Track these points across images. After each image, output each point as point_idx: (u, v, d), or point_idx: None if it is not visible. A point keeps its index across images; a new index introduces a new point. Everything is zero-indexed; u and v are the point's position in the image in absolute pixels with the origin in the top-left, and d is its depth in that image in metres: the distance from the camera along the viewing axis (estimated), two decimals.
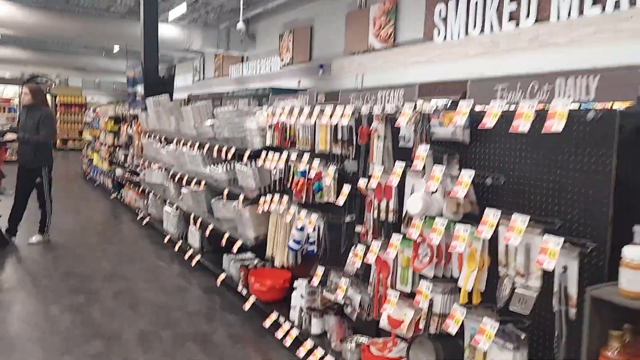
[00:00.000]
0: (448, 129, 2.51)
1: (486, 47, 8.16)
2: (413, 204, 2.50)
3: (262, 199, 3.98)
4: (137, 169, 8.05)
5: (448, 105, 2.59)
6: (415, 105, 2.70)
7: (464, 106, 2.36)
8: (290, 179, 3.70)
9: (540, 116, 2.05)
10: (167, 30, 14.65)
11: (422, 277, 2.57)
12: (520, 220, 2.00)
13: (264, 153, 3.96)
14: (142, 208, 7.54)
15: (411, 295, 2.62)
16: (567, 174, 2.10)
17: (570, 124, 2.01)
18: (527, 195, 2.26)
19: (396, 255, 2.71)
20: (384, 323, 2.69)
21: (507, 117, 2.17)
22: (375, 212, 2.87)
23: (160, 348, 3.54)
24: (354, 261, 2.96)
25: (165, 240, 6.23)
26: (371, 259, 2.80)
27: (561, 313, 1.94)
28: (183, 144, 5.66)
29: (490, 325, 2.11)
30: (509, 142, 2.34)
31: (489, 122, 2.18)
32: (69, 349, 3.46)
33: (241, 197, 4.28)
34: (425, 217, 2.52)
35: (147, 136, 7.20)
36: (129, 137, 8.81)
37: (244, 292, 4.23)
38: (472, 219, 2.37)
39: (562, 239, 1.88)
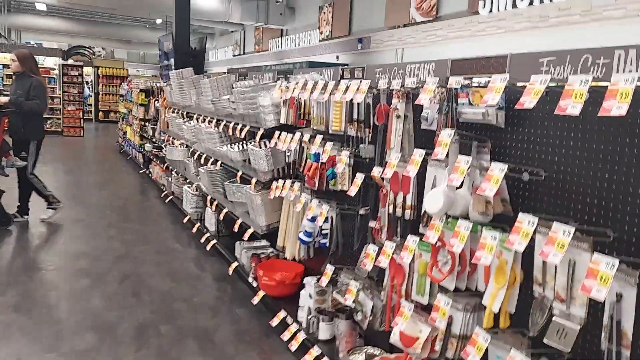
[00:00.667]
0: (478, 110, 2.08)
1: (534, 21, 7.53)
2: (432, 201, 2.09)
3: (274, 184, 3.64)
4: (162, 144, 7.87)
5: (482, 83, 2.15)
6: (446, 79, 2.27)
7: (498, 81, 1.91)
8: (304, 162, 3.34)
9: (596, 95, 1.59)
10: (206, 1, 14.42)
11: (441, 288, 2.18)
12: (563, 232, 1.57)
13: (277, 132, 3.60)
14: (166, 185, 7.37)
15: (428, 308, 2.22)
16: (628, 172, 1.65)
17: (634, 106, 1.55)
18: (574, 195, 1.81)
19: (412, 260, 2.31)
20: (395, 338, 2.31)
21: (552, 96, 1.71)
22: (391, 206, 2.48)
23: (155, 344, 3.28)
24: (364, 263, 2.59)
25: (185, 220, 6.01)
26: (383, 262, 2.41)
27: (611, 354, 1.51)
28: (202, 120, 5.37)
29: (519, 359, 1.70)
30: (554, 128, 1.89)
31: (528, 101, 1.73)
32: (57, 343, 3.25)
33: (253, 180, 3.95)
34: (448, 216, 2.11)
35: (170, 110, 6.98)
36: (156, 110, 8.64)
37: (255, 284, 3.93)
38: (504, 220, 1.95)
39: (617, 260, 1.44)
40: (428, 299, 2.27)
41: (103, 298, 3.97)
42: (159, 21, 20.09)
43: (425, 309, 2.27)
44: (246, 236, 4.09)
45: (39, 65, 15.87)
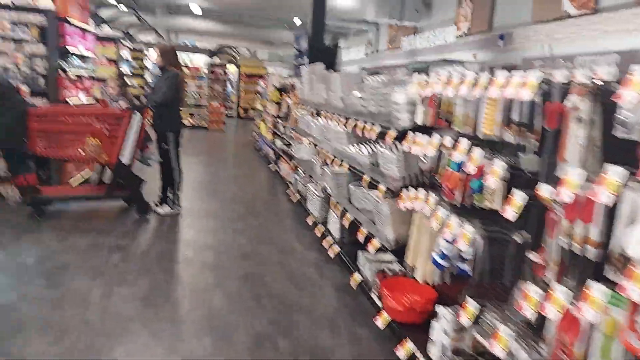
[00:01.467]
0: None
1: None
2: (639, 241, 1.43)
3: (404, 193, 3.10)
4: (292, 142, 7.69)
5: None
6: None
7: None
8: (442, 170, 2.76)
9: None
10: (341, 0, 14.19)
11: None
12: None
13: (411, 134, 3.06)
14: (293, 183, 7.15)
15: None
16: None
17: None
18: None
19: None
20: None
21: None
22: (565, 238, 1.82)
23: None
24: (521, 306, 1.96)
25: (309, 220, 5.69)
26: (551, 312, 1.77)
27: None
28: (330, 118, 4.98)
29: None
30: None
31: None
32: (177, 345, 3.04)
33: (381, 186, 3.45)
34: None
35: (300, 107, 6.72)
36: (288, 107, 8.50)
37: (378, 302, 3.43)
38: None
39: None
40: None
41: (224, 298, 3.76)
42: (298, 22, 20.36)
43: None
44: (371, 249, 3.60)
45: (191, 64, 16.66)
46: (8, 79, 5.40)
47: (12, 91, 5.30)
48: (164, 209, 5.90)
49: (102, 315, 3.37)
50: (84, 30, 7.25)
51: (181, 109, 5.84)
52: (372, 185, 3.73)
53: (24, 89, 5.86)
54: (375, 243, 3.56)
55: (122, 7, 13.08)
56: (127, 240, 4.93)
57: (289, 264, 4.56)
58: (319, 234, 5.16)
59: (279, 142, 8.97)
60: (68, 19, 6.49)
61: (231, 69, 21.79)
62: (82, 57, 7.21)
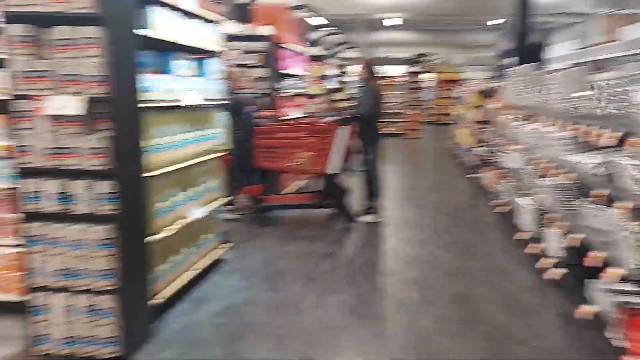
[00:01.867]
0: None
1: None
2: None
3: None
4: (496, 149, 7.02)
5: None
6: None
7: None
8: None
9: None
10: None
11: None
12: None
13: None
14: (497, 194, 6.50)
15: None
16: None
17: None
18: None
19: None
20: None
21: None
22: None
23: None
24: None
25: (517, 237, 5.05)
26: None
27: None
28: (545, 123, 4.33)
29: None
30: None
31: None
32: None
33: (623, 204, 2.79)
34: None
35: (506, 111, 6.08)
36: (490, 112, 7.82)
37: (618, 342, 2.78)
38: None
39: None
40: None
41: (431, 318, 3.47)
42: (492, 23, 19.00)
43: None
44: (608, 277, 2.94)
45: (389, 75, 16.90)
46: (241, 100, 5.95)
47: (243, 111, 5.87)
48: (368, 218, 5.90)
49: (314, 323, 3.39)
50: (297, 52, 7.72)
51: (379, 121, 5.93)
52: (606, 201, 3.06)
53: (261, 104, 6.38)
54: (613, 270, 2.90)
55: (328, 29, 13.96)
56: (335, 247, 5.00)
57: (499, 285, 4.06)
58: (532, 253, 4.52)
59: (480, 149, 8.33)
60: (284, 43, 6.96)
61: (426, 76, 21.37)
62: (295, 77, 7.68)
